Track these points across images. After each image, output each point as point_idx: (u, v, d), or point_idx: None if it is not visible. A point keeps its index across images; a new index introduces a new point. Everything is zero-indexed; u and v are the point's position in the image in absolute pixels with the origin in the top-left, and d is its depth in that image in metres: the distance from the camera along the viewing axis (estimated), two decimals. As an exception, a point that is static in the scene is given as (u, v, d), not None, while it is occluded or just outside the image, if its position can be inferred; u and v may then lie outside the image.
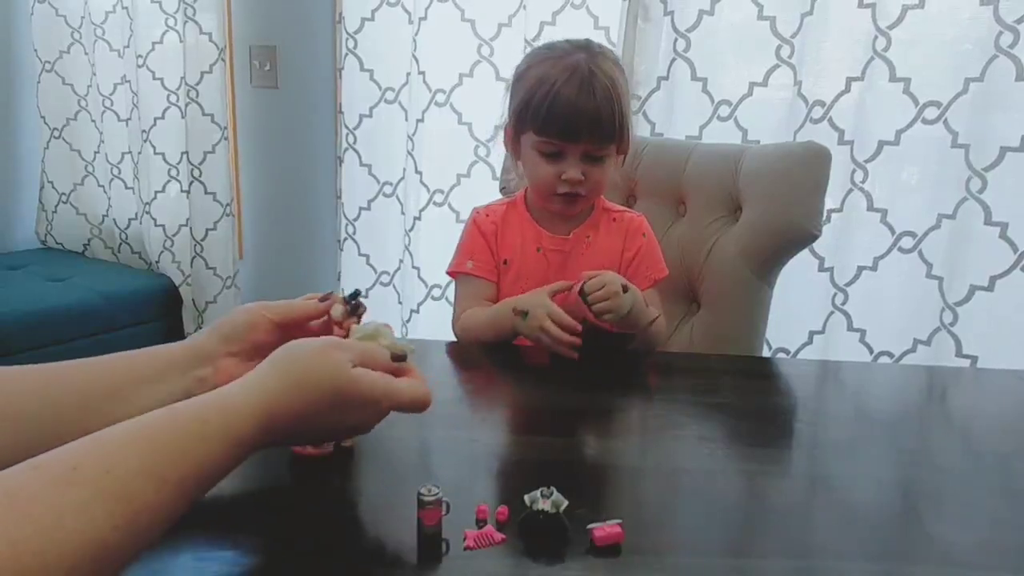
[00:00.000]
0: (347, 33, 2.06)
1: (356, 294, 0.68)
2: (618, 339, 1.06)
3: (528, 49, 1.82)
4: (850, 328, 1.65)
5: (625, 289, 0.98)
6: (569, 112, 1.00)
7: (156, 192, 2.37)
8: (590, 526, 0.54)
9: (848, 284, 1.63)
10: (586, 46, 1.06)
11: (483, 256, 1.13)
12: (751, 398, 0.89)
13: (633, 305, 1.00)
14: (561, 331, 0.95)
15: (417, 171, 2.04)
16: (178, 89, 2.28)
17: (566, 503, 0.54)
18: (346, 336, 0.64)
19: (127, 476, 0.41)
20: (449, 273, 1.16)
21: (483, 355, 1.01)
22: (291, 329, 0.66)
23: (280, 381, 0.52)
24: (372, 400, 0.55)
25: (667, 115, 1.73)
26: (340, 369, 0.54)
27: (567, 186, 1.04)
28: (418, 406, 0.58)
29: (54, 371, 0.58)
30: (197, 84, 2.24)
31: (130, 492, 0.40)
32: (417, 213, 2.06)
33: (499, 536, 0.54)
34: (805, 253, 1.43)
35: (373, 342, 0.60)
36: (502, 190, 1.43)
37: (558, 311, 0.96)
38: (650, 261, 1.14)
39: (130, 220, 2.51)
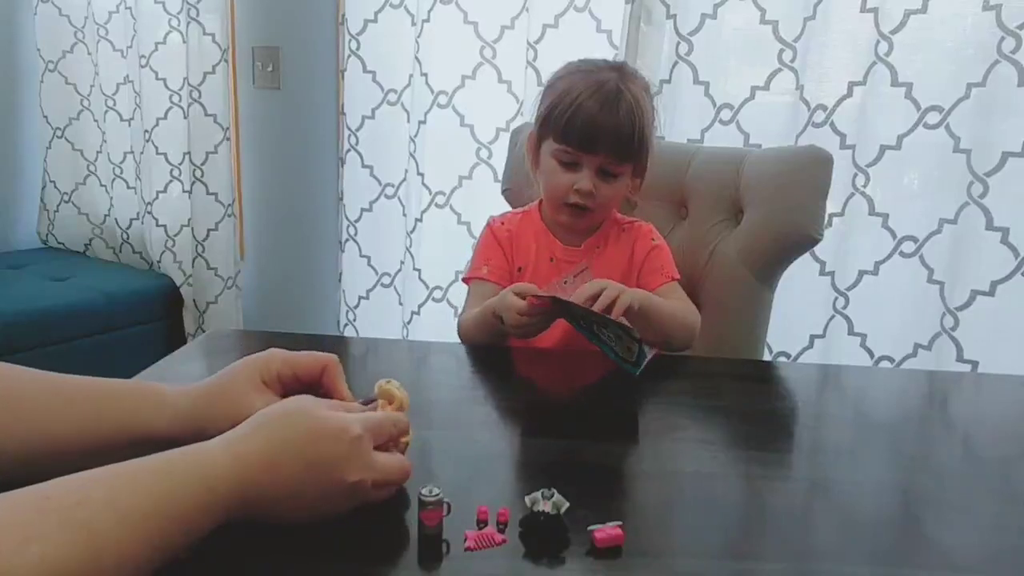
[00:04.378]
0: (350, 35, 2.06)
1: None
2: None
3: (531, 53, 1.83)
4: (851, 332, 1.65)
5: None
6: (590, 123, 1.03)
7: (158, 192, 2.37)
8: (590, 528, 0.54)
9: (849, 288, 1.63)
10: (619, 67, 1.10)
11: (498, 262, 1.15)
12: (752, 401, 0.89)
13: (641, 298, 0.96)
14: (526, 317, 0.94)
15: (419, 173, 2.04)
16: (181, 89, 2.29)
17: (567, 505, 0.54)
18: None
19: (95, 508, 0.41)
20: (465, 280, 1.19)
21: (484, 356, 1.01)
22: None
23: (250, 426, 0.52)
24: (341, 429, 0.52)
25: (669, 118, 1.73)
26: (309, 408, 0.53)
27: (577, 196, 1.07)
28: (397, 472, 0.56)
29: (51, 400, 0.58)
30: (200, 85, 2.24)
31: (96, 525, 0.40)
32: (419, 215, 2.06)
33: (500, 537, 0.54)
34: (806, 257, 1.43)
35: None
36: (504, 192, 1.43)
37: (522, 304, 0.94)
38: (663, 261, 1.14)
39: (132, 220, 2.51)
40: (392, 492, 0.56)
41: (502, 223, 1.19)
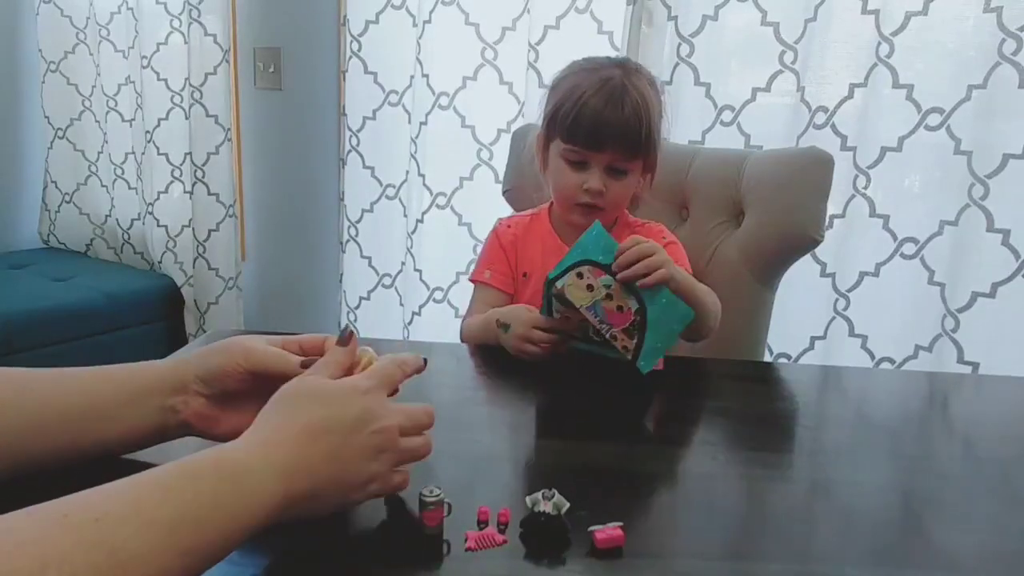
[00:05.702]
0: (351, 35, 2.06)
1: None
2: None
3: (532, 55, 1.83)
4: (852, 334, 1.64)
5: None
6: (596, 121, 1.02)
7: (159, 193, 2.38)
8: (591, 528, 0.54)
9: (850, 290, 1.63)
10: (623, 63, 1.09)
11: (501, 268, 1.15)
12: (752, 403, 0.89)
13: (681, 276, 0.93)
14: (546, 335, 0.93)
15: (420, 174, 2.04)
16: (182, 90, 2.29)
17: (567, 505, 0.54)
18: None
19: (114, 524, 0.40)
20: (471, 280, 1.18)
21: (485, 357, 1.01)
22: (266, 381, 0.59)
23: (265, 414, 0.52)
24: (351, 388, 0.54)
25: (670, 120, 1.72)
26: (307, 379, 0.55)
27: (588, 196, 1.06)
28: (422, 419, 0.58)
29: (34, 380, 0.59)
30: (201, 85, 2.24)
31: (116, 541, 0.39)
32: (419, 216, 2.06)
33: (500, 538, 0.54)
34: (807, 258, 1.43)
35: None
36: (505, 193, 1.43)
37: (540, 318, 0.94)
38: (677, 256, 1.10)
39: (133, 220, 2.51)
40: (427, 446, 0.57)
41: (508, 227, 1.17)
